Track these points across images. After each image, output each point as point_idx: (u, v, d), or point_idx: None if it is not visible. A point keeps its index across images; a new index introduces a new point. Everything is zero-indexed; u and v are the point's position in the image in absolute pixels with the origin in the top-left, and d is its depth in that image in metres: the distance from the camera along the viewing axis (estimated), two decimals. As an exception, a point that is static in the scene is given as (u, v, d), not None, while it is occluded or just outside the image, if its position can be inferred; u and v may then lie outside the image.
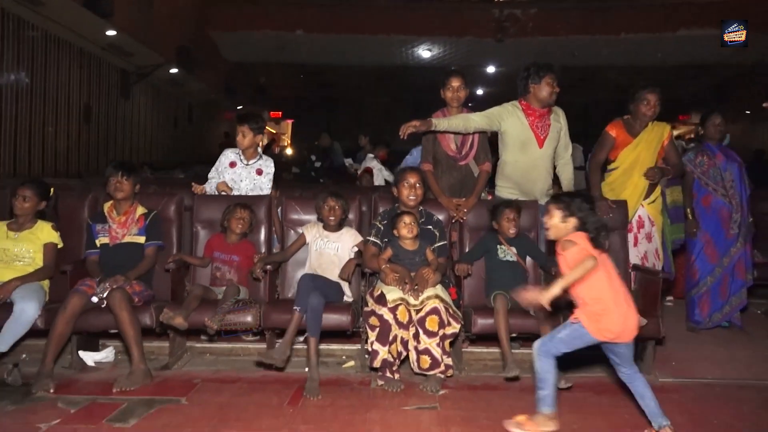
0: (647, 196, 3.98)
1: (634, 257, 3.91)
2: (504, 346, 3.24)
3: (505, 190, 3.95)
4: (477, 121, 3.86)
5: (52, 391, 3.08)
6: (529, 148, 3.87)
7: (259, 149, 4.27)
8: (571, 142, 4.08)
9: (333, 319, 3.33)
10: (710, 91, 15.81)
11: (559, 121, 3.96)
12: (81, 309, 3.25)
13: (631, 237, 3.93)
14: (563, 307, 3.48)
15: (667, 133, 3.97)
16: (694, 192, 4.42)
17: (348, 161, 8.59)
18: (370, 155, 7.54)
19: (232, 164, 4.16)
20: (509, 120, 3.87)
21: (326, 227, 3.70)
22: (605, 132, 4.05)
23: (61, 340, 3.22)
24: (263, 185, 4.14)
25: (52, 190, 3.75)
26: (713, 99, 15.64)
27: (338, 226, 3.70)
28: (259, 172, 4.14)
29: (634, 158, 3.95)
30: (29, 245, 3.55)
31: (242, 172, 4.13)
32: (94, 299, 3.26)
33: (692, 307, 4.42)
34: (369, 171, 7.11)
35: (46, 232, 3.59)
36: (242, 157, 4.16)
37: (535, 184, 3.94)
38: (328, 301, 3.34)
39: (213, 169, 4.23)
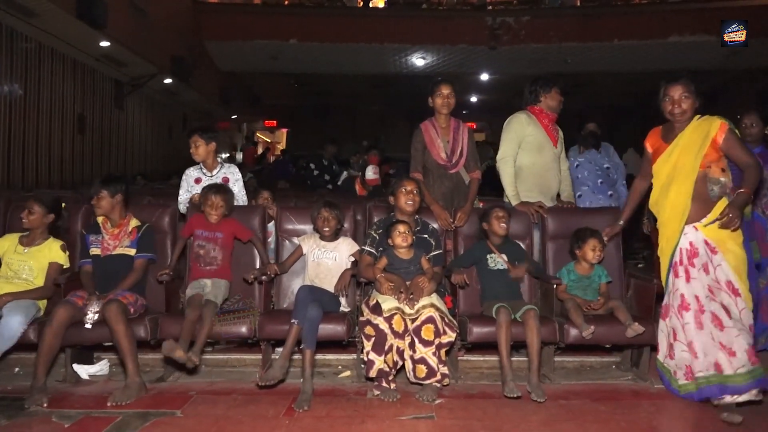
0: (702, 215, 3.03)
1: (691, 296, 3.02)
2: (504, 364, 3.20)
3: (524, 194, 3.98)
4: (510, 160, 4.00)
5: (45, 405, 3.06)
6: (545, 150, 4.04)
7: (219, 158, 4.25)
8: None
9: (329, 328, 3.32)
10: (703, 96, 15.90)
11: (560, 131, 4.19)
12: (68, 320, 3.22)
13: (681, 271, 3.07)
14: (558, 313, 3.50)
15: (717, 127, 3.01)
16: None
17: (345, 174, 8.59)
18: (370, 166, 7.63)
19: (198, 180, 4.12)
20: (527, 129, 4.02)
21: (322, 237, 3.70)
22: (644, 145, 3.38)
23: (50, 353, 3.19)
24: (236, 194, 4.13)
25: (63, 204, 3.75)
26: (706, 104, 15.72)
27: (334, 236, 3.70)
28: (226, 180, 4.12)
29: (670, 169, 3.10)
30: (34, 263, 3.54)
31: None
32: (88, 325, 3.23)
33: None
34: (376, 182, 7.15)
35: (54, 252, 3.59)
36: (204, 171, 4.14)
37: (551, 184, 4.11)
38: (326, 311, 3.34)
39: (183, 191, 4.14)
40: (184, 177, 4.20)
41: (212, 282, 3.51)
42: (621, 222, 3.39)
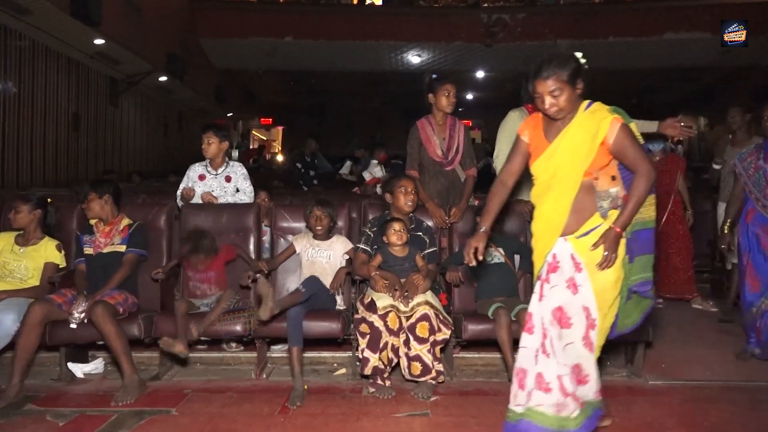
0: (578, 226, 2.38)
1: (537, 318, 2.39)
2: (510, 365, 3.16)
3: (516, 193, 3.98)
4: (505, 159, 3.95)
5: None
6: None
7: (227, 157, 4.24)
8: None
9: (324, 326, 3.33)
10: (698, 93, 15.96)
11: None
12: (44, 318, 3.20)
13: (537, 287, 2.45)
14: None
15: (606, 126, 2.30)
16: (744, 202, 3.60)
17: (346, 167, 8.52)
18: (374, 161, 7.57)
19: (201, 177, 4.13)
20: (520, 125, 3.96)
21: (316, 236, 3.70)
22: (517, 133, 2.61)
23: (24, 353, 3.14)
24: (241, 187, 4.11)
25: (49, 200, 3.76)
26: (702, 101, 15.79)
27: (327, 235, 3.70)
28: (228, 179, 4.12)
29: (550, 176, 2.42)
30: (30, 263, 3.54)
31: (212, 183, 4.11)
32: (73, 325, 3.22)
33: (748, 331, 3.69)
34: (377, 181, 7.06)
35: (49, 251, 3.59)
36: (210, 168, 4.14)
37: None
38: (322, 309, 3.35)
39: (183, 185, 4.16)
40: (188, 171, 4.20)
41: (213, 297, 3.52)
42: (483, 229, 2.54)
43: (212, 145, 4.09)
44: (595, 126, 2.33)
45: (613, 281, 2.38)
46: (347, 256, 3.69)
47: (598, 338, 2.38)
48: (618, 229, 2.31)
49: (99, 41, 9.05)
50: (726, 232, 3.77)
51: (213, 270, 3.59)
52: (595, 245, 2.32)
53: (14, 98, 8.18)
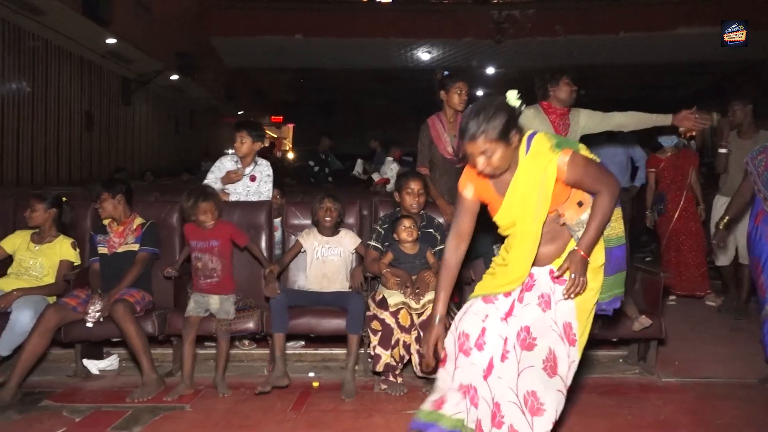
0: (557, 254, 2.22)
1: (495, 337, 2.19)
2: None
3: None
4: None
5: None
6: None
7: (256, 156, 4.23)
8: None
9: (335, 323, 3.35)
10: (710, 88, 15.83)
11: (577, 121, 3.93)
12: (58, 324, 3.23)
13: (506, 303, 2.24)
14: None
15: (554, 167, 2.09)
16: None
17: (359, 166, 8.50)
18: (389, 158, 7.53)
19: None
20: (534, 123, 3.92)
21: (322, 231, 3.68)
22: (459, 190, 2.31)
23: (32, 356, 3.15)
24: (262, 190, 4.13)
25: (64, 198, 3.80)
26: (713, 96, 15.65)
27: (335, 229, 3.70)
28: (252, 178, 4.11)
29: (510, 224, 2.23)
30: (46, 260, 3.59)
31: (237, 181, 4.12)
32: (89, 324, 3.25)
33: (763, 339, 3.44)
34: (385, 181, 7.02)
35: (64, 249, 3.64)
36: (239, 165, 4.14)
37: None
38: (333, 306, 3.38)
39: (212, 176, 4.13)
40: (217, 163, 4.18)
41: (219, 299, 3.41)
42: (438, 319, 2.29)
43: (245, 144, 4.05)
44: (542, 172, 2.10)
45: (591, 296, 2.20)
46: (356, 252, 3.71)
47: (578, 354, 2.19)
48: (582, 253, 2.10)
49: (111, 41, 9.13)
50: (721, 228, 3.58)
51: (217, 238, 3.44)
52: (560, 270, 2.13)
53: (28, 98, 8.27)
